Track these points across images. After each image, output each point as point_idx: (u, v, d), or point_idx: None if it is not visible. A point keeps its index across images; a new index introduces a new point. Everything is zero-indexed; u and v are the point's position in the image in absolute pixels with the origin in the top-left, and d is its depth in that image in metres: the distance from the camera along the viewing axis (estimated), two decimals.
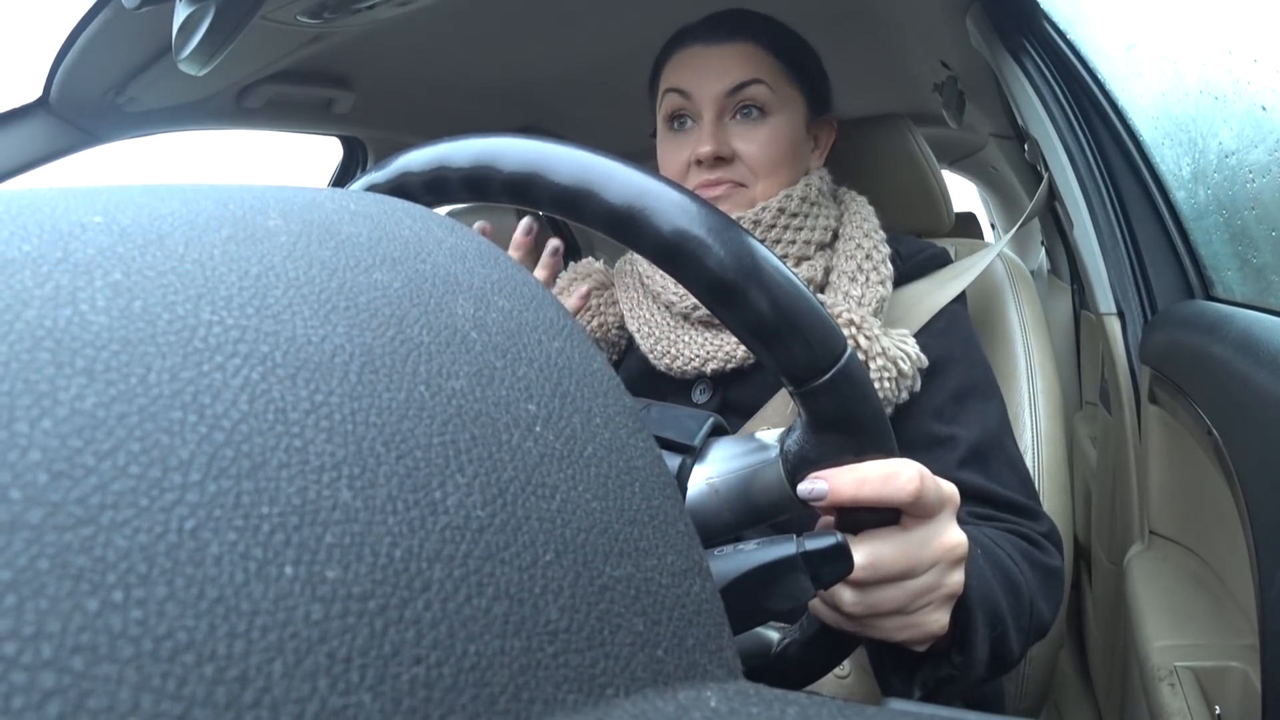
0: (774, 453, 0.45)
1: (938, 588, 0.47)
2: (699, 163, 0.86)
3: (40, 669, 0.13)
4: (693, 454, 0.46)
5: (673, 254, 0.36)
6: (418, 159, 0.41)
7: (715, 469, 0.46)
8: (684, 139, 0.88)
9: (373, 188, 0.42)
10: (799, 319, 0.37)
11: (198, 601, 0.14)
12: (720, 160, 0.86)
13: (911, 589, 0.46)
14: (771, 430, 0.47)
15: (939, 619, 0.49)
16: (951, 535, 0.47)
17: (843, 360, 0.39)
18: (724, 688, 0.21)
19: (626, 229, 0.36)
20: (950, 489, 0.47)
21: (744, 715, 0.20)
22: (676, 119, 0.89)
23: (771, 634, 0.52)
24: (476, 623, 0.17)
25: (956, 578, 0.48)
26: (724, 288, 0.36)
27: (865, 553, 0.45)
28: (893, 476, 0.43)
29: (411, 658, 0.16)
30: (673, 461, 0.46)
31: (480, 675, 0.17)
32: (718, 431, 0.48)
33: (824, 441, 0.42)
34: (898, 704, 0.27)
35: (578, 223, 0.37)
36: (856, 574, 0.45)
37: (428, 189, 0.41)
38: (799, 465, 0.44)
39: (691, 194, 0.37)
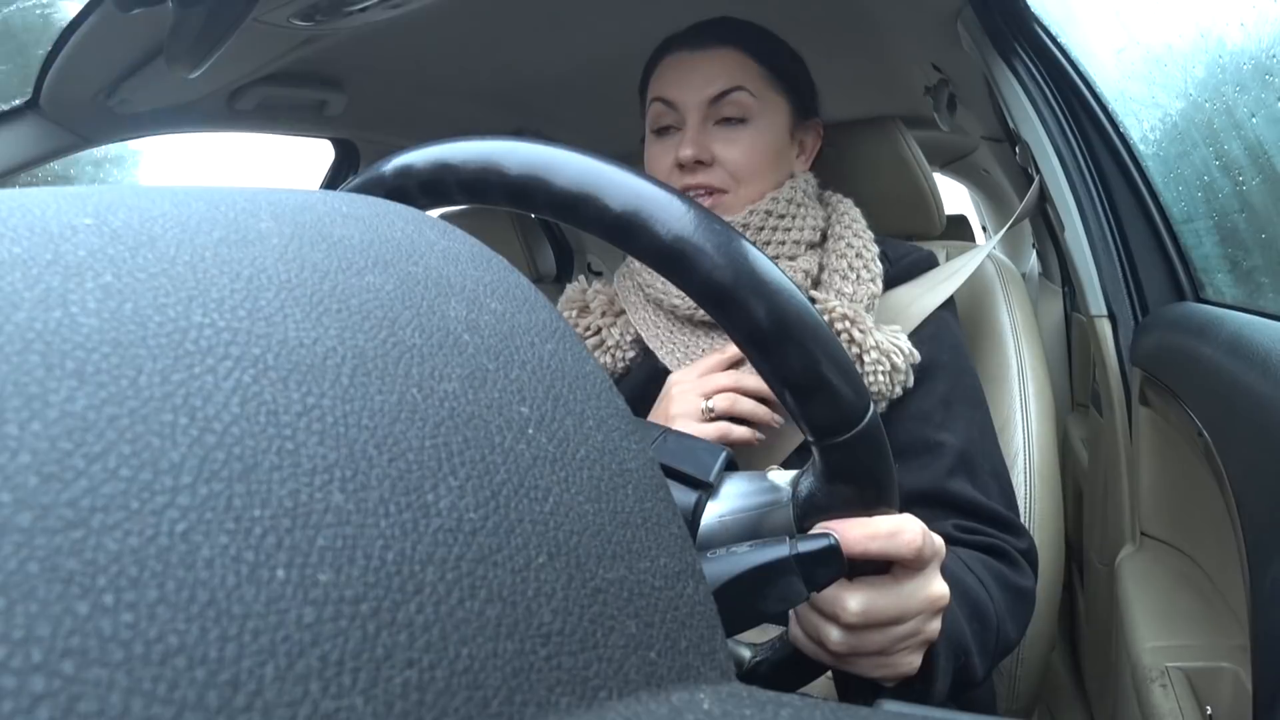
0: (785, 496, 0.46)
1: (917, 634, 0.49)
2: (680, 166, 0.87)
3: (30, 673, 0.13)
4: (708, 490, 0.47)
5: (717, 300, 0.36)
6: (460, 153, 0.39)
7: (727, 505, 0.47)
8: (669, 144, 0.90)
9: (404, 172, 0.40)
10: (831, 379, 0.37)
11: (189, 605, 0.14)
12: (700, 164, 0.87)
13: (894, 635, 0.48)
14: (783, 472, 0.48)
15: (912, 661, 0.51)
16: (936, 587, 0.49)
17: (865, 420, 0.39)
18: (717, 690, 0.21)
19: (673, 267, 0.36)
20: (940, 543, 0.49)
21: (737, 717, 0.20)
22: (662, 127, 0.91)
23: (743, 650, 0.52)
24: (469, 625, 0.17)
25: (935, 625, 0.50)
26: (763, 339, 0.36)
27: (860, 599, 0.47)
28: (899, 533, 0.44)
29: (404, 661, 0.16)
30: (688, 497, 0.46)
31: (473, 678, 0.17)
32: (730, 465, 0.49)
33: (835, 492, 0.43)
34: (890, 705, 0.27)
35: (623, 250, 0.37)
36: (849, 618, 0.47)
37: (464, 188, 0.39)
38: (808, 511, 0.45)
39: (742, 237, 0.36)
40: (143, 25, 0.99)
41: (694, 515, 0.46)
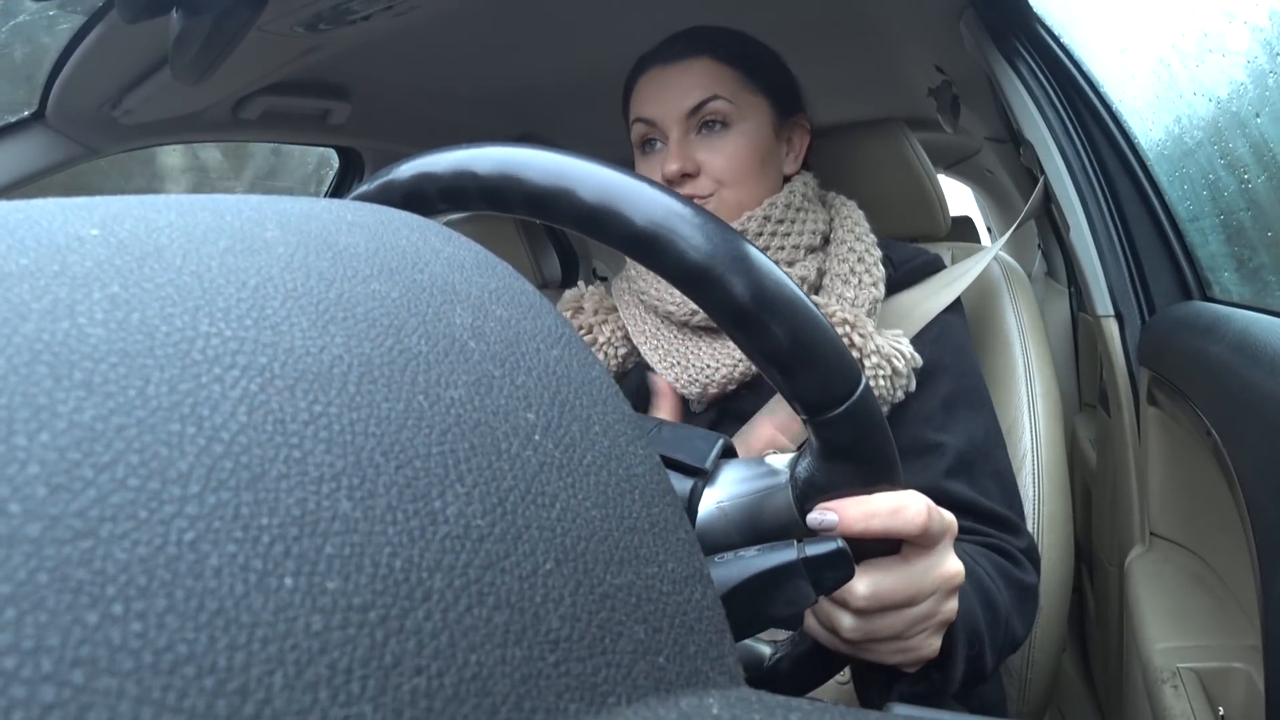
0: (784, 478, 0.45)
1: (934, 615, 0.48)
2: (668, 182, 0.86)
3: (40, 683, 0.13)
4: (704, 477, 0.46)
5: (696, 280, 0.36)
6: (484, 161, 0.38)
7: (725, 492, 0.46)
8: (654, 160, 0.90)
9: (425, 177, 0.40)
10: (817, 351, 0.37)
11: (198, 614, 0.14)
12: (687, 176, 0.87)
13: (909, 617, 0.47)
14: (781, 455, 0.47)
15: (932, 644, 0.50)
16: (950, 565, 0.48)
17: (858, 393, 0.39)
18: (726, 695, 0.21)
19: (647, 251, 0.36)
20: (950, 519, 0.48)
21: None
22: (646, 143, 0.92)
23: (763, 648, 0.52)
24: (477, 632, 0.17)
25: (951, 605, 0.49)
26: (744, 316, 0.36)
27: (868, 582, 0.46)
28: (901, 510, 0.43)
29: (413, 668, 0.16)
30: (684, 484, 0.46)
31: (481, 685, 0.17)
32: (727, 453, 0.49)
33: (834, 470, 0.43)
34: (901, 709, 0.26)
35: (596, 240, 0.37)
36: (858, 603, 0.46)
37: (485, 196, 0.38)
38: (808, 492, 0.44)
39: (718, 220, 0.36)
40: (147, 36, 1.00)
41: (690, 502, 0.45)
